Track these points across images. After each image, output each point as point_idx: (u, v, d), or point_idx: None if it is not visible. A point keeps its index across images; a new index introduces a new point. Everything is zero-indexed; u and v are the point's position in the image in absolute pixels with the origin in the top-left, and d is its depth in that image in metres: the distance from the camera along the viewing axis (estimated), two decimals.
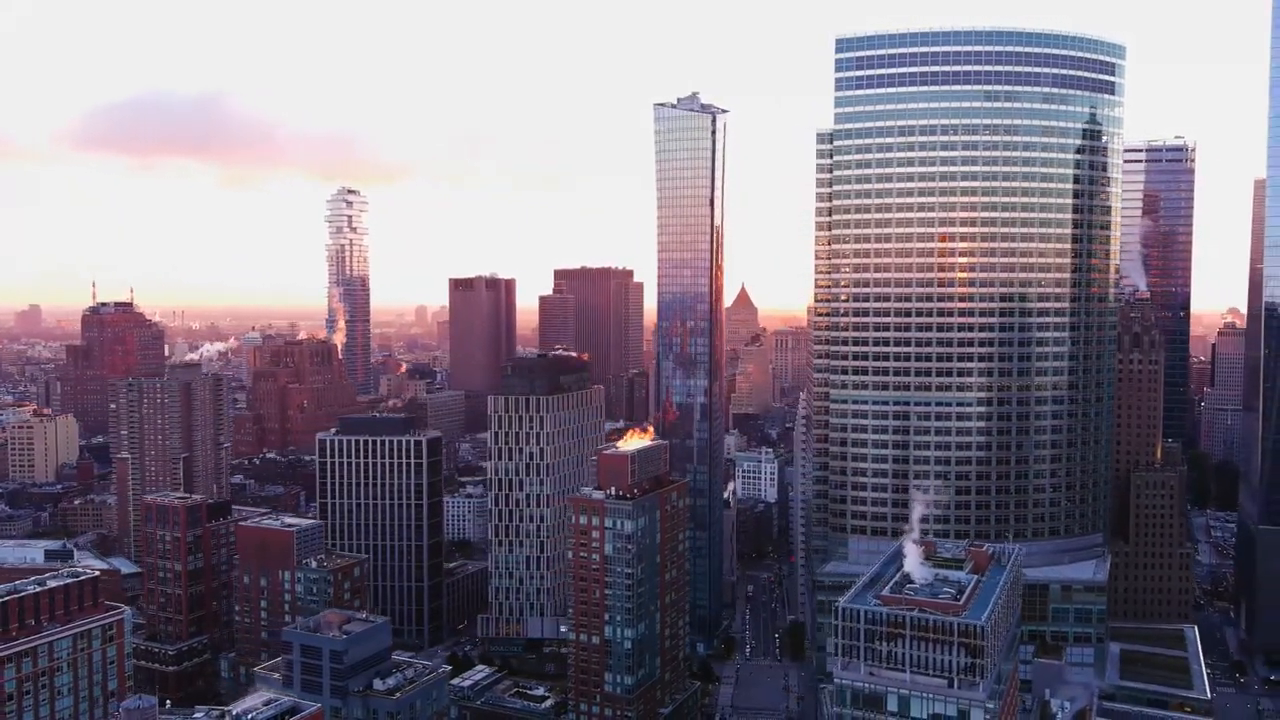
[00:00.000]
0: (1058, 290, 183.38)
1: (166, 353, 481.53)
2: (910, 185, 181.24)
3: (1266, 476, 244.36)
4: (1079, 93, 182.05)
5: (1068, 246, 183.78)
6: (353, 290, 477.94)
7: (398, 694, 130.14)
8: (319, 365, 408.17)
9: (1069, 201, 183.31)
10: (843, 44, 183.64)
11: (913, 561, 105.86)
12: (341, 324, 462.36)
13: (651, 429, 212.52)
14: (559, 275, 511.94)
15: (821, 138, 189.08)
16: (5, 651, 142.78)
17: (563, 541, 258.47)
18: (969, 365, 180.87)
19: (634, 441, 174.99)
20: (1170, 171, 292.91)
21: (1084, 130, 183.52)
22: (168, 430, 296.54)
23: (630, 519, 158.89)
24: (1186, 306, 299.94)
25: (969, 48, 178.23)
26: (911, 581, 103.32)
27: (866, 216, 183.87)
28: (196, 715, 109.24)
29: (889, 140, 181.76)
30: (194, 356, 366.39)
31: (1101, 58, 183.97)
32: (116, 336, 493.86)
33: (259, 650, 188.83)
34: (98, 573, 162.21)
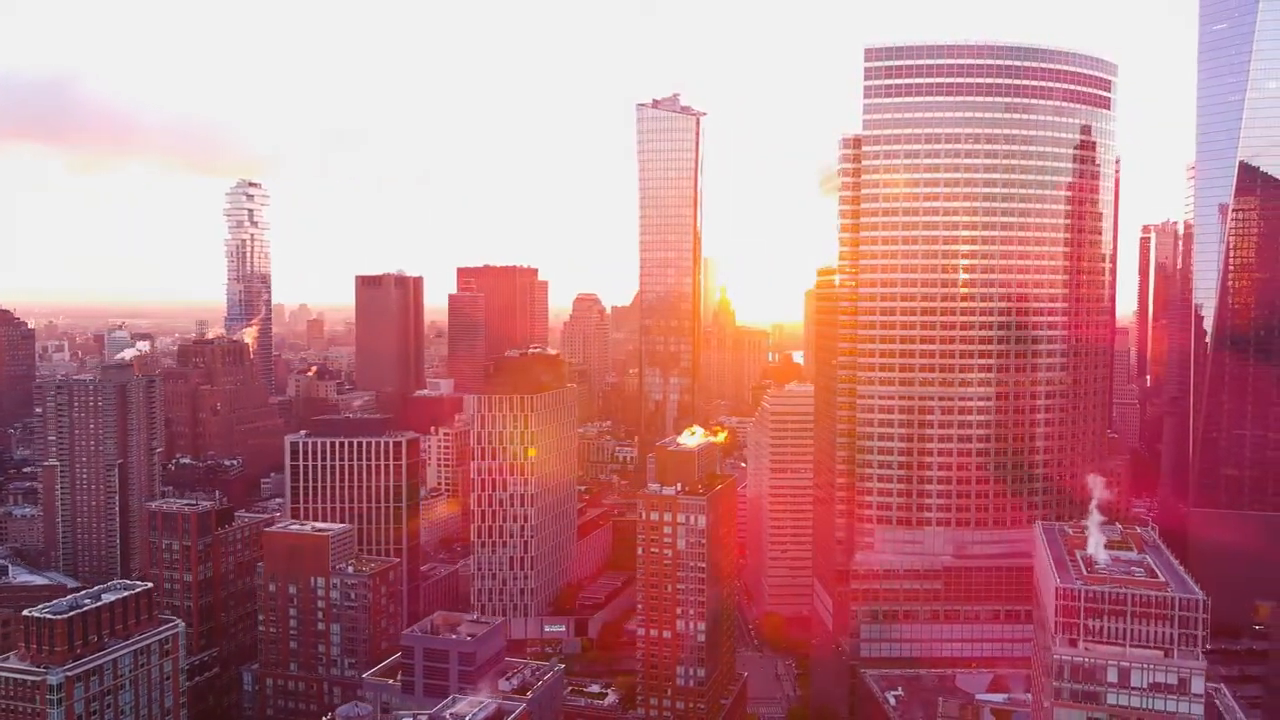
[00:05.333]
0: (1062, 291, 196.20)
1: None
2: (936, 191, 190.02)
3: (1198, 462, 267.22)
4: (1082, 106, 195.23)
5: (1068, 250, 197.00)
6: (254, 287, 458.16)
7: (528, 693, 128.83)
8: (231, 366, 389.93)
9: (1070, 208, 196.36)
10: (872, 53, 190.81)
11: (1096, 545, 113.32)
12: (256, 323, 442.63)
13: (724, 427, 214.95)
14: (463, 273, 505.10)
15: (846, 142, 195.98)
16: (75, 670, 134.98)
17: (546, 540, 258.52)
18: (988, 361, 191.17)
19: (692, 437, 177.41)
20: None
21: (1084, 142, 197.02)
22: (101, 435, 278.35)
23: (704, 514, 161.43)
24: (1112, 307, 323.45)
25: (991, 61, 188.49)
26: (1097, 563, 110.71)
27: (894, 219, 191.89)
28: (399, 714, 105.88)
29: (916, 147, 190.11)
30: (127, 355, 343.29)
31: (1100, 74, 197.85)
32: None
33: (287, 661, 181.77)
34: (151, 585, 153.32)
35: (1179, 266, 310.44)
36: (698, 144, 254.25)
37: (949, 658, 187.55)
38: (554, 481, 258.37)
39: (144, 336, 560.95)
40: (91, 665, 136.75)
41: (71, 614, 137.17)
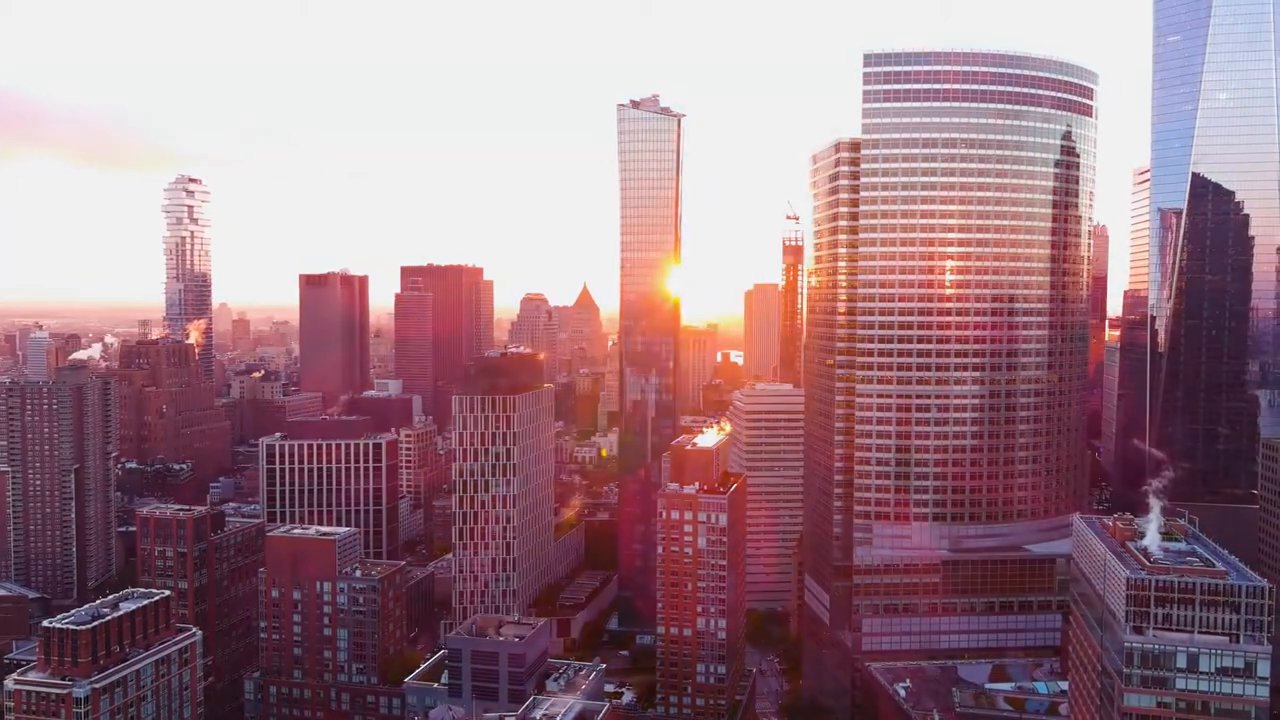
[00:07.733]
0: (1047, 293, 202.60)
1: None
2: (933, 194, 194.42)
3: (1155, 457, 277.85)
4: (1068, 114, 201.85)
5: (1053, 253, 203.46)
6: (194, 287, 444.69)
7: (576, 693, 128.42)
8: (176, 367, 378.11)
9: (1055, 211, 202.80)
10: (871, 59, 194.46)
11: (1153, 536, 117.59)
12: (203, 322, 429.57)
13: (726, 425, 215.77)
14: (408, 272, 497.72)
15: (842, 146, 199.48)
16: (101, 682, 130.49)
17: (528, 541, 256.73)
18: (981, 360, 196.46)
19: (708, 436, 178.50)
20: None
21: (1069, 148, 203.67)
22: (57, 439, 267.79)
23: (724, 512, 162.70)
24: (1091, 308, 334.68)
25: (985, 69, 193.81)
26: (1152, 554, 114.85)
27: (892, 222, 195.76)
28: (489, 717, 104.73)
29: (913, 151, 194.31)
30: (94, 352, 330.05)
31: (1083, 83, 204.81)
32: None
33: (291, 668, 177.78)
34: (169, 593, 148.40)
35: (1143, 269, 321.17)
36: (679, 145, 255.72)
37: (948, 649, 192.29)
38: (534, 482, 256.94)
39: (61, 337, 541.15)
40: (116, 676, 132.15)
41: (95, 624, 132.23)
